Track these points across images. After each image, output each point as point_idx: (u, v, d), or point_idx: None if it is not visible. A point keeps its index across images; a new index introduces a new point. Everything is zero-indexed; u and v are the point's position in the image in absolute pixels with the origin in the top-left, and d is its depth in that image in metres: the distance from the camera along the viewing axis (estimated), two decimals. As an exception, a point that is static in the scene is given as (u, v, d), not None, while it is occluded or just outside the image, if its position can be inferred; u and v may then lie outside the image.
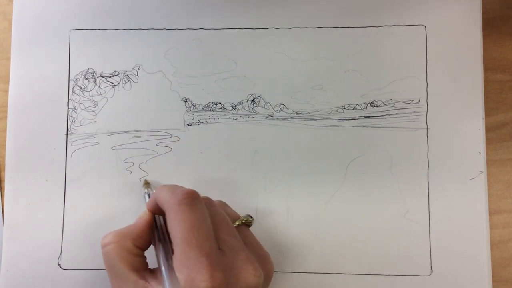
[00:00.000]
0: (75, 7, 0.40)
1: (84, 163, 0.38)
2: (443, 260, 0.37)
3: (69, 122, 0.39)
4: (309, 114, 0.38)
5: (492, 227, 0.37)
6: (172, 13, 0.39)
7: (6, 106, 0.39)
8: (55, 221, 0.38)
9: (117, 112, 0.39)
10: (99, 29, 0.39)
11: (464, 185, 0.37)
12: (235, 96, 0.39)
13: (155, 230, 0.31)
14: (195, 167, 0.38)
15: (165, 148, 0.39)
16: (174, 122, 0.39)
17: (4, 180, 0.38)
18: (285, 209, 0.38)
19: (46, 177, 0.38)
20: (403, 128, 0.38)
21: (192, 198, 0.28)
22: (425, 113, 0.38)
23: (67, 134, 0.39)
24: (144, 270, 0.29)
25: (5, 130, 0.39)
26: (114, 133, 0.39)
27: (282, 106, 0.39)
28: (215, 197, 0.34)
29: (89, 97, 0.39)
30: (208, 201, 0.32)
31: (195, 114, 0.39)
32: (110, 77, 0.39)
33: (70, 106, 0.39)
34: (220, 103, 0.39)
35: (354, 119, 0.38)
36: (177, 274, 0.26)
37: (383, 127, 0.38)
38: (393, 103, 0.38)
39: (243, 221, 0.33)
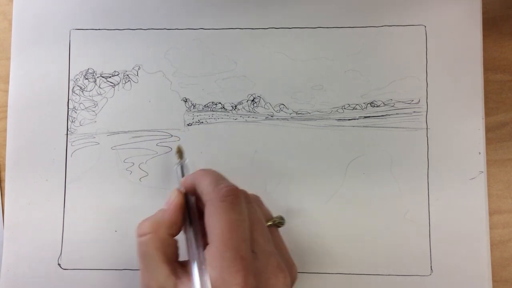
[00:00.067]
0: (75, 7, 0.40)
1: (84, 163, 0.38)
2: (443, 260, 0.37)
3: (69, 122, 0.39)
4: (309, 114, 0.38)
5: (492, 227, 0.37)
6: (172, 13, 0.39)
7: (6, 106, 0.39)
8: (55, 221, 0.38)
9: (117, 112, 0.39)
10: (99, 29, 0.39)
11: (464, 185, 0.37)
12: (235, 96, 0.39)
13: (186, 213, 0.30)
14: (195, 167, 0.38)
15: (165, 148, 0.39)
16: (174, 122, 0.39)
17: (4, 180, 0.38)
18: (285, 209, 0.38)
19: (46, 177, 0.38)
20: (403, 128, 0.38)
21: (235, 196, 0.28)
22: (425, 113, 0.38)
23: (67, 134, 0.39)
24: (175, 262, 0.29)
25: (5, 130, 0.39)
26: (114, 133, 0.39)
27: (282, 106, 0.39)
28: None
29: (89, 97, 0.39)
30: (245, 196, 0.31)
31: (195, 114, 0.39)
32: (110, 77, 0.39)
33: (70, 106, 0.39)
34: (220, 103, 0.39)
35: (354, 119, 0.38)
36: (209, 270, 0.26)
37: (383, 127, 0.38)
38: (393, 103, 0.38)
39: (275, 222, 0.32)
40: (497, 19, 0.39)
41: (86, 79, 0.39)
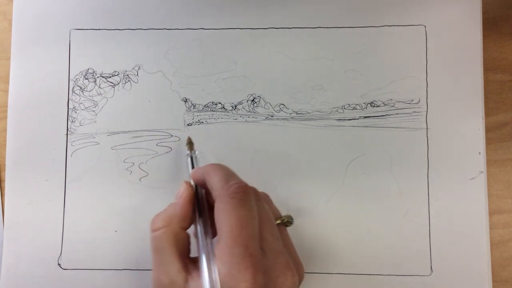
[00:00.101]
0: (75, 7, 0.40)
1: (84, 163, 0.38)
2: (443, 260, 0.37)
3: (69, 122, 0.39)
4: (309, 114, 0.38)
5: (492, 227, 0.37)
6: (172, 13, 0.39)
7: (6, 106, 0.39)
8: (55, 221, 0.38)
9: (117, 112, 0.39)
10: (99, 29, 0.39)
11: (464, 185, 0.37)
12: (235, 96, 0.39)
13: (196, 205, 0.31)
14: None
15: (165, 148, 0.39)
16: (174, 122, 0.39)
17: (4, 180, 0.38)
18: (285, 209, 0.38)
19: (46, 177, 0.38)
20: (403, 128, 0.38)
21: (244, 193, 0.28)
22: (425, 113, 0.38)
23: (67, 134, 0.39)
24: (187, 258, 0.29)
25: (5, 130, 0.39)
26: (114, 133, 0.39)
27: (282, 106, 0.39)
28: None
29: (89, 97, 0.39)
30: (255, 193, 0.31)
31: (195, 114, 0.39)
32: (110, 77, 0.39)
33: (70, 106, 0.39)
34: (220, 103, 0.39)
35: (354, 119, 0.38)
36: (218, 265, 0.26)
37: (383, 127, 0.38)
38: (393, 103, 0.38)
39: (284, 221, 0.32)
40: (497, 19, 0.39)
41: (86, 79, 0.39)
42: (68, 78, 0.39)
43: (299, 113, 0.38)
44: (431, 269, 0.37)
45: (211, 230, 0.29)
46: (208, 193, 0.31)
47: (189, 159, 0.35)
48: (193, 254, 0.30)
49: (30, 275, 0.37)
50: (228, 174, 0.30)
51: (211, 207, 0.29)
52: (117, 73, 0.39)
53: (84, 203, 0.38)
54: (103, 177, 0.38)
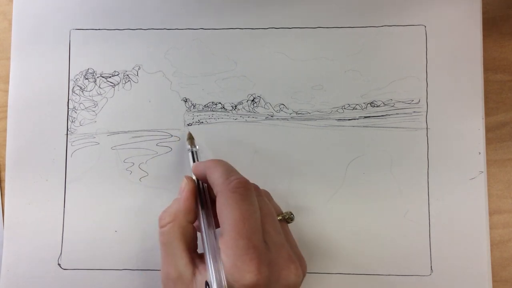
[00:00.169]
0: (75, 7, 0.40)
1: (84, 163, 0.38)
2: (443, 260, 0.37)
3: (69, 122, 0.39)
4: (309, 114, 0.38)
5: (492, 227, 0.37)
6: (172, 13, 0.39)
7: (6, 106, 0.39)
8: (55, 221, 0.38)
9: (117, 112, 0.39)
10: (99, 29, 0.39)
11: (464, 185, 0.37)
12: (235, 96, 0.39)
13: (198, 197, 0.31)
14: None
15: (165, 148, 0.39)
16: (174, 122, 0.39)
17: (4, 180, 0.38)
18: (285, 209, 0.38)
19: (46, 177, 0.38)
20: (403, 128, 0.38)
21: (246, 188, 0.28)
22: (425, 113, 0.38)
23: (67, 134, 0.39)
24: (194, 252, 0.30)
25: (5, 130, 0.39)
26: (114, 133, 0.39)
27: (282, 106, 0.39)
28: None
29: (89, 97, 0.39)
30: (256, 190, 0.32)
31: (195, 114, 0.39)
32: (110, 77, 0.39)
33: (70, 106, 0.39)
34: (220, 103, 0.39)
35: (354, 119, 0.38)
36: (223, 257, 0.26)
37: (383, 127, 0.38)
38: (393, 103, 0.38)
39: (285, 217, 0.32)
40: (497, 19, 0.39)
41: (86, 79, 0.39)
42: (68, 78, 0.39)
43: (299, 113, 0.38)
44: (431, 269, 0.37)
45: (214, 223, 0.30)
46: (210, 188, 0.31)
47: (190, 153, 0.35)
48: (199, 250, 0.31)
49: (30, 275, 0.37)
50: (228, 170, 0.30)
51: (213, 201, 0.30)
52: (117, 73, 0.39)
53: (84, 203, 0.38)
54: (103, 177, 0.38)
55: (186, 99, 0.39)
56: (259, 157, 0.38)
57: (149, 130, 0.39)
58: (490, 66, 0.39)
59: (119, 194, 0.38)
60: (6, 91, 0.39)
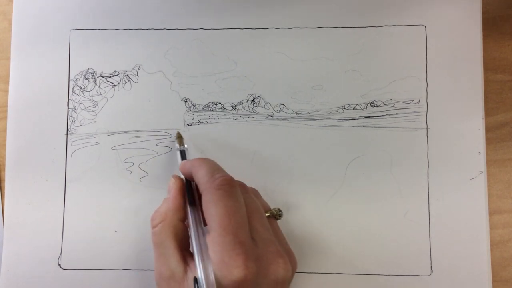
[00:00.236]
0: (75, 7, 0.40)
1: (84, 163, 0.38)
2: (443, 260, 0.37)
3: (69, 122, 0.39)
4: (309, 114, 0.38)
5: (492, 227, 0.37)
6: (172, 13, 0.39)
7: (6, 106, 0.39)
8: (55, 221, 0.38)
9: (117, 112, 0.39)
10: (99, 29, 0.39)
11: (464, 185, 0.37)
12: (235, 96, 0.39)
13: (186, 194, 0.32)
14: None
15: (165, 148, 0.39)
16: (174, 122, 0.39)
17: (4, 180, 0.38)
18: (285, 209, 0.38)
19: (46, 177, 0.38)
20: (403, 128, 0.38)
21: (230, 185, 0.29)
22: (425, 113, 0.38)
23: (67, 134, 0.39)
24: (186, 250, 0.30)
25: (5, 130, 0.39)
26: (114, 133, 0.39)
27: (282, 106, 0.39)
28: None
29: (89, 97, 0.39)
30: (243, 187, 0.32)
31: (195, 114, 0.39)
32: (110, 77, 0.39)
33: (70, 106, 0.39)
34: (220, 103, 0.39)
35: (354, 119, 0.38)
36: (211, 254, 0.26)
37: (383, 127, 0.38)
38: (393, 103, 0.38)
39: (273, 214, 0.33)
40: (497, 19, 0.39)
41: (86, 79, 0.39)
42: (68, 78, 0.39)
43: (299, 113, 0.38)
44: (431, 269, 0.37)
45: (203, 220, 0.30)
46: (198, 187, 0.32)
47: (178, 153, 0.36)
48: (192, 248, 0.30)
49: (30, 275, 0.37)
50: (214, 168, 0.30)
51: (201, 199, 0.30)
52: (117, 73, 0.39)
53: (84, 203, 0.38)
54: (103, 177, 0.38)
55: (186, 99, 0.39)
56: (259, 157, 0.38)
57: (149, 130, 0.39)
58: (490, 66, 0.39)
59: (119, 194, 0.38)
60: (6, 91, 0.39)
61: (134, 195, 0.38)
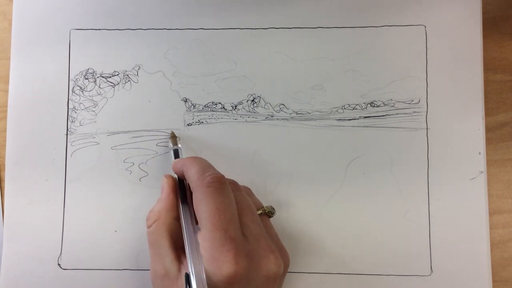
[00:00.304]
0: (75, 7, 0.40)
1: (84, 163, 0.38)
2: (443, 260, 0.37)
3: (69, 122, 0.39)
4: (309, 114, 0.38)
5: (492, 227, 0.37)
6: (172, 13, 0.39)
7: (6, 106, 0.39)
8: (55, 221, 0.38)
9: (117, 112, 0.39)
10: (99, 29, 0.39)
11: (464, 185, 0.37)
12: (235, 96, 0.39)
13: (178, 193, 0.32)
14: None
15: (165, 148, 0.39)
16: (174, 122, 0.39)
17: (4, 180, 0.38)
18: (285, 209, 0.38)
19: (46, 177, 0.38)
20: (403, 128, 0.38)
21: (220, 182, 0.29)
22: (425, 113, 0.38)
23: (67, 134, 0.39)
24: (180, 249, 0.30)
25: (5, 130, 0.39)
26: (114, 133, 0.39)
27: (282, 106, 0.39)
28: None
29: (89, 97, 0.39)
30: (234, 185, 0.33)
31: (195, 114, 0.39)
32: (110, 77, 0.39)
33: (70, 106, 0.39)
34: (220, 103, 0.39)
35: (354, 119, 0.38)
36: (202, 250, 0.27)
37: (383, 127, 0.38)
38: (393, 103, 0.38)
39: (266, 211, 0.33)
40: (497, 19, 0.39)
41: (86, 79, 0.39)
42: (68, 78, 0.39)
43: (299, 113, 0.38)
44: (431, 269, 0.37)
45: (195, 218, 0.30)
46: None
47: (172, 152, 0.36)
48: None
49: (30, 275, 0.37)
50: (204, 166, 0.31)
51: None
52: (117, 73, 0.39)
53: (84, 203, 0.38)
54: (103, 177, 0.38)
55: (186, 99, 0.39)
56: (259, 157, 0.38)
57: (149, 130, 0.39)
58: (490, 66, 0.39)
59: (119, 194, 0.38)
60: (6, 91, 0.39)
61: (134, 195, 0.38)
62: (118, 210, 0.38)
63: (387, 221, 0.37)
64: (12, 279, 0.37)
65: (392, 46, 0.39)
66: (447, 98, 0.38)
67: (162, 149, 0.39)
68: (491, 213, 0.37)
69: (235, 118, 0.39)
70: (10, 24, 0.40)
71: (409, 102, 0.38)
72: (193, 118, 0.39)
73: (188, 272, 0.26)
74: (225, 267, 0.26)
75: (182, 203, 0.31)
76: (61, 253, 0.38)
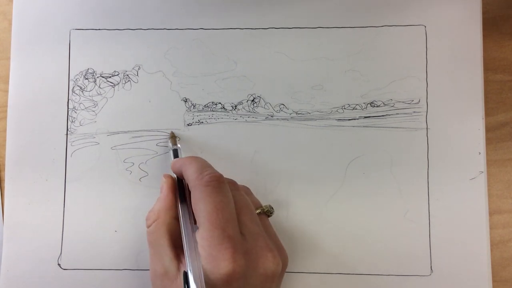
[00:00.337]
0: (75, 7, 0.40)
1: (84, 163, 0.38)
2: (443, 260, 0.37)
3: (69, 122, 0.39)
4: (309, 114, 0.38)
5: (492, 227, 0.37)
6: (172, 13, 0.39)
7: (6, 106, 0.39)
8: (55, 221, 0.38)
9: (117, 112, 0.39)
10: (99, 29, 0.39)
11: (464, 185, 0.37)
12: (235, 96, 0.39)
13: (177, 192, 0.32)
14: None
15: (165, 148, 0.39)
16: (174, 122, 0.39)
17: (4, 180, 0.38)
18: (285, 209, 0.38)
19: (46, 177, 0.38)
20: (403, 128, 0.38)
21: (218, 181, 0.29)
22: (425, 113, 0.38)
23: (67, 134, 0.39)
24: (180, 248, 0.30)
25: (5, 130, 0.39)
26: (114, 133, 0.39)
27: (282, 106, 0.39)
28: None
29: (89, 97, 0.39)
30: (232, 184, 0.33)
31: (195, 114, 0.39)
32: (110, 77, 0.39)
33: (70, 106, 0.39)
34: (220, 103, 0.39)
35: (354, 119, 0.38)
36: (200, 249, 0.27)
37: (383, 127, 0.38)
38: (393, 103, 0.38)
39: (264, 211, 0.33)
40: (497, 19, 0.39)
41: (86, 79, 0.39)
42: (68, 78, 0.39)
43: (299, 113, 0.38)
44: (431, 269, 0.37)
45: (194, 217, 0.30)
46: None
47: (171, 152, 0.36)
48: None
49: (30, 275, 0.37)
50: (203, 165, 0.31)
51: None
52: (117, 73, 0.39)
53: (84, 203, 0.38)
54: (103, 177, 0.38)
55: (186, 99, 0.39)
56: (259, 157, 0.38)
57: (149, 130, 0.39)
58: (490, 66, 0.39)
59: (119, 194, 0.38)
60: (6, 91, 0.39)
61: (134, 195, 0.38)
62: (118, 210, 0.38)
63: (387, 221, 0.37)
64: (12, 279, 0.37)
65: (392, 46, 0.39)
66: (447, 98, 0.38)
67: (162, 149, 0.39)
68: (491, 213, 0.37)
69: (235, 118, 0.39)
70: (10, 24, 0.40)
71: (409, 102, 0.38)
72: (193, 118, 0.39)
73: (186, 270, 0.26)
74: (223, 265, 0.26)
75: (181, 202, 0.31)
76: (61, 253, 0.38)
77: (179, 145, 0.37)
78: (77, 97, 0.39)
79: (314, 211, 0.38)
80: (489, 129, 0.38)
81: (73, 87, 0.39)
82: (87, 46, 0.39)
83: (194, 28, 0.39)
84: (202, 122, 0.39)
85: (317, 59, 0.39)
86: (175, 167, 0.33)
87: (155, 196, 0.37)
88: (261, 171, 0.38)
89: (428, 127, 0.38)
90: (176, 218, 0.31)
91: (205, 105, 0.39)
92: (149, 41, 0.39)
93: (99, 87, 0.39)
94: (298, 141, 0.38)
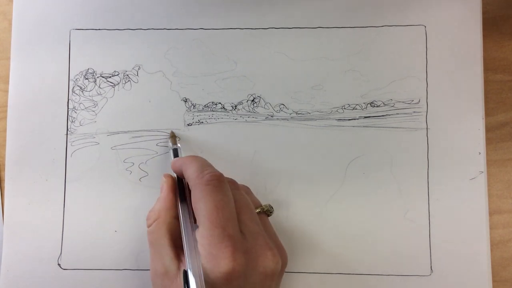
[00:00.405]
0: (75, 7, 0.40)
1: (84, 163, 0.38)
2: (443, 260, 0.37)
3: (69, 122, 0.39)
4: (309, 114, 0.38)
5: (492, 227, 0.37)
6: (172, 13, 0.39)
7: (6, 106, 0.39)
8: (55, 221, 0.38)
9: (117, 112, 0.39)
10: (99, 29, 0.39)
11: (464, 185, 0.37)
12: (235, 96, 0.39)
13: (177, 192, 0.32)
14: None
15: (165, 148, 0.39)
16: (174, 122, 0.39)
17: (4, 180, 0.38)
18: (285, 208, 0.38)
19: (46, 177, 0.38)
20: (403, 128, 0.38)
21: (218, 181, 0.29)
22: (425, 113, 0.38)
23: (67, 134, 0.39)
24: (180, 247, 0.30)
25: (5, 130, 0.39)
26: (114, 133, 0.39)
27: (282, 106, 0.39)
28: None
29: (89, 97, 0.39)
30: (232, 183, 0.33)
31: (195, 114, 0.39)
32: (110, 77, 0.39)
33: (70, 106, 0.39)
34: (220, 103, 0.39)
35: (354, 119, 0.38)
36: (200, 248, 0.27)
37: (383, 127, 0.38)
38: (393, 103, 0.38)
39: (264, 210, 0.33)
40: (497, 19, 0.39)
41: (86, 79, 0.39)
42: (68, 78, 0.39)
43: (299, 113, 0.38)
44: (431, 269, 0.37)
45: (194, 217, 0.30)
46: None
47: (171, 152, 0.36)
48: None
49: (30, 275, 0.37)
50: (203, 165, 0.31)
51: None
52: (117, 73, 0.39)
53: (84, 203, 0.38)
54: (103, 177, 0.38)
55: (186, 99, 0.39)
56: (259, 157, 0.38)
57: (149, 130, 0.39)
58: (490, 66, 0.39)
59: (119, 194, 0.38)
60: (6, 91, 0.39)
61: (134, 195, 0.38)
62: (118, 210, 0.38)
63: (387, 221, 0.37)
64: (12, 279, 0.37)
65: (392, 46, 0.39)
66: (447, 98, 0.38)
67: (162, 149, 0.39)
68: (491, 213, 0.37)
69: (235, 118, 0.39)
70: (10, 24, 0.40)
71: (409, 102, 0.38)
72: (193, 118, 0.39)
73: (186, 269, 0.26)
74: (223, 264, 0.26)
75: (181, 202, 0.31)
76: (61, 253, 0.38)
77: (179, 145, 0.37)
78: (77, 97, 0.39)
79: (314, 211, 0.38)
80: (489, 129, 0.38)
81: (73, 87, 0.39)
82: (87, 46, 0.39)
83: (194, 28, 0.39)
84: (202, 122, 0.39)
85: (317, 59, 0.39)
86: (175, 166, 0.33)
87: (155, 196, 0.37)
88: (261, 171, 0.38)
89: (428, 127, 0.38)
90: (177, 218, 0.31)
91: (205, 105, 0.39)
92: (149, 41, 0.39)
93: (99, 87, 0.39)
94: (298, 141, 0.38)
